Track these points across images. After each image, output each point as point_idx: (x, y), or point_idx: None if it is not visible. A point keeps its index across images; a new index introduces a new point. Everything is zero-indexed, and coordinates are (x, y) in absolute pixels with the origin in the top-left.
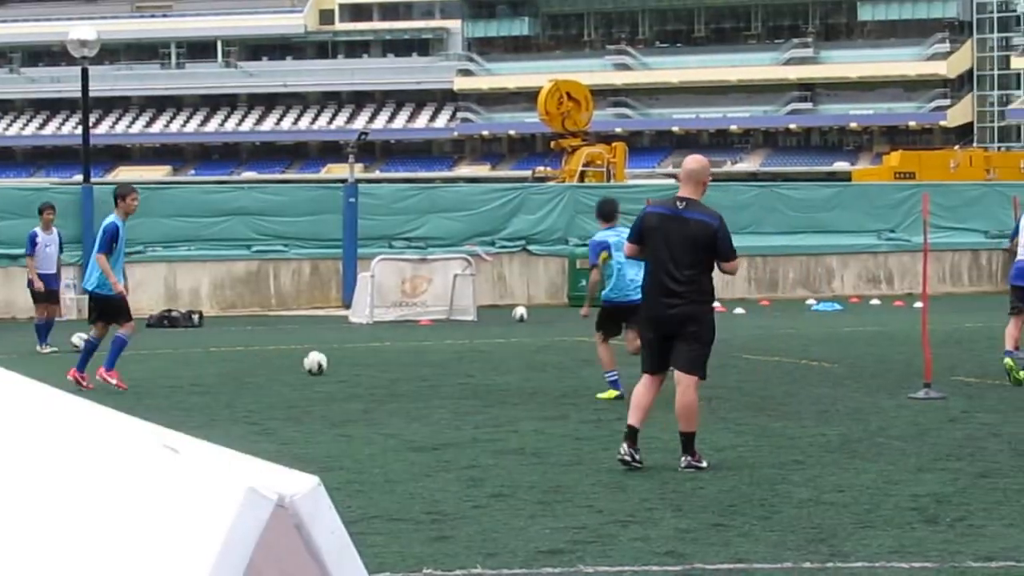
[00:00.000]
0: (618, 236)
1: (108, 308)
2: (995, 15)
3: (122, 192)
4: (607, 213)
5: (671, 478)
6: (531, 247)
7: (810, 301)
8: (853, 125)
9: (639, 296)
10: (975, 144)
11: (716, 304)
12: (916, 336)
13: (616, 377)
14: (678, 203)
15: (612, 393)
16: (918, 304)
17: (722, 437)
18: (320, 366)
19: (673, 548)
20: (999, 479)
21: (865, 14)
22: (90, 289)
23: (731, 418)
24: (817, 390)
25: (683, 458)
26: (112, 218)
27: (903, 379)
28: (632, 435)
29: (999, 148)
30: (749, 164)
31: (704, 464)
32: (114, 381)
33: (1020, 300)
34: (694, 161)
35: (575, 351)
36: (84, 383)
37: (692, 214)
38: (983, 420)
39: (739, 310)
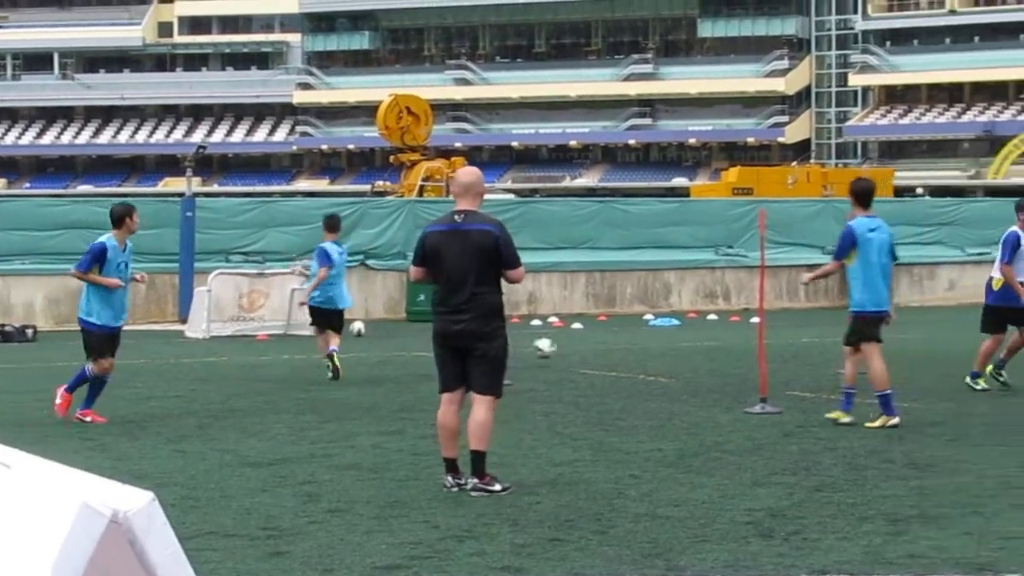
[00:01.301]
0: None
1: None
2: (834, 33)
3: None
4: (332, 225)
5: (508, 493)
6: (369, 261)
7: (648, 316)
8: (692, 141)
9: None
10: (813, 160)
11: (554, 319)
12: (752, 351)
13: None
14: (456, 217)
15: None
16: (755, 319)
17: (559, 452)
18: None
19: (510, 563)
20: (833, 493)
21: (705, 31)
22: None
23: (568, 433)
24: (654, 405)
25: (471, 480)
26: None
27: (740, 394)
28: (452, 466)
29: (836, 164)
30: (588, 179)
31: (496, 488)
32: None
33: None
34: (468, 174)
35: (413, 365)
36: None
37: (472, 225)
38: (818, 435)
39: (577, 325)
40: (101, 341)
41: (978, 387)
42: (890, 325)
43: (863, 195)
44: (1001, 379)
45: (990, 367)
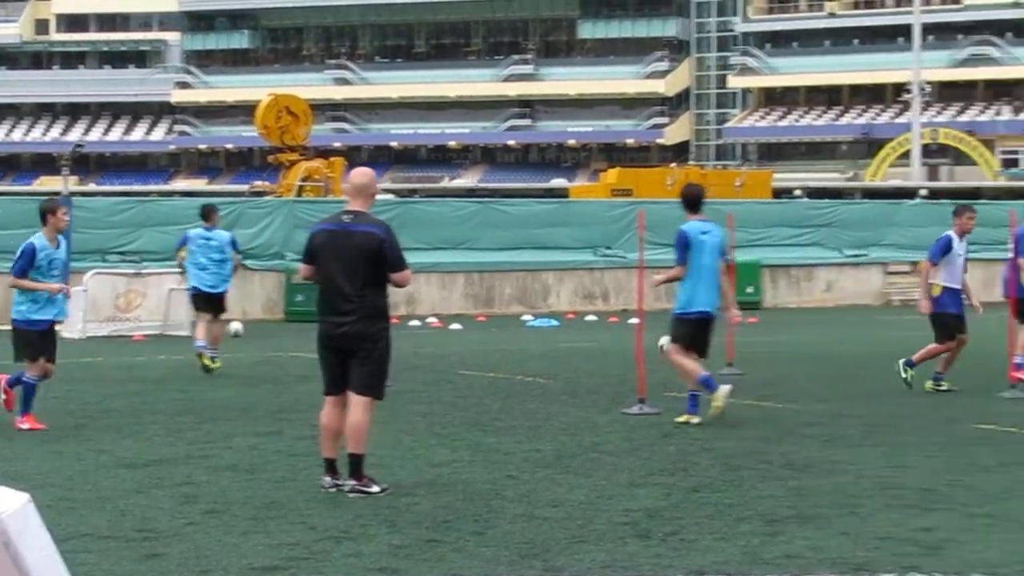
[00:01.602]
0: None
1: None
2: (713, 35)
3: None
4: (204, 214)
5: (386, 494)
6: (247, 262)
7: (527, 317)
8: (571, 142)
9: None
10: (692, 162)
11: (433, 320)
12: (631, 352)
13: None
14: (344, 217)
15: None
16: (633, 320)
17: (437, 453)
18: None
19: (387, 564)
20: (711, 494)
21: (585, 32)
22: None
23: (446, 434)
24: (532, 405)
25: (348, 481)
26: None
27: (618, 395)
28: (331, 467)
29: (716, 166)
30: (467, 180)
31: (374, 489)
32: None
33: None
34: (361, 175)
35: (291, 366)
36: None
37: (359, 226)
38: (695, 436)
39: (456, 326)
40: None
41: (905, 375)
42: (737, 326)
43: (690, 200)
44: (942, 388)
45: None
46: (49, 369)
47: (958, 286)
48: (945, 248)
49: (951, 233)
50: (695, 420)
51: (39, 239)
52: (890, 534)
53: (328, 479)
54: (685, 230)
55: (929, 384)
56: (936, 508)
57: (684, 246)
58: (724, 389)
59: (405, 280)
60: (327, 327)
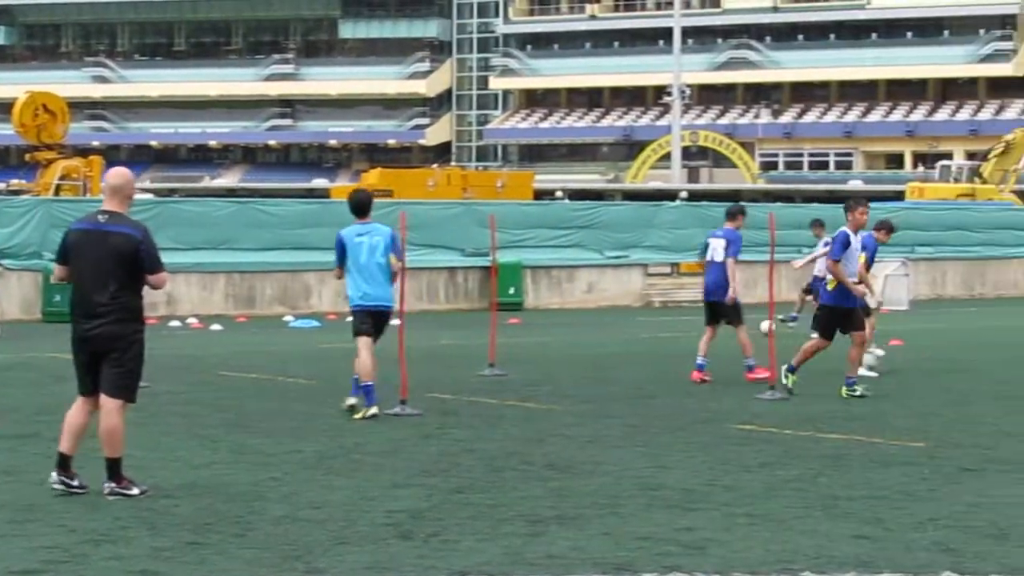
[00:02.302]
0: None
1: None
2: (475, 36)
3: None
4: None
5: (146, 496)
6: (4, 261)
7: (288, 318)
8: (333, 142)
9: None
10: (453, 163)
11: (193, 321)
12: (393, 353)
13: None
14: (100, 217)
15: None
16: (395, 321)
17: (198, 454)
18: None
19: (147, 567)
20: (472, 494)
21: (346, 32)
22: None
23: (207, 435)
24: (294, 406)
25: (107, 484)
26: None
27: (380, 396)
28: (63, 462)
29: (477, 167)
30: (228, 179)
31: (134, 491)
32: None
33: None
34: (117, 175)
35: (49, 367)
36: None
37: (115, 227)
38: (457, 436)
39: (217, 326)
40: None
41: (787, 381)
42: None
43: (354, 206)
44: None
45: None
46: None
47: (855, 279)
48: (844, 244)
49: (846, 229)
50: (373, 411)
51: None
52: (651, 534)
53: (55, 475)
54: (340, 234)
55: (792, 378)
56: (697, 508)
57: (340, 249)
58: (373, 410)
59: (161, 282)
60: (79, 328)
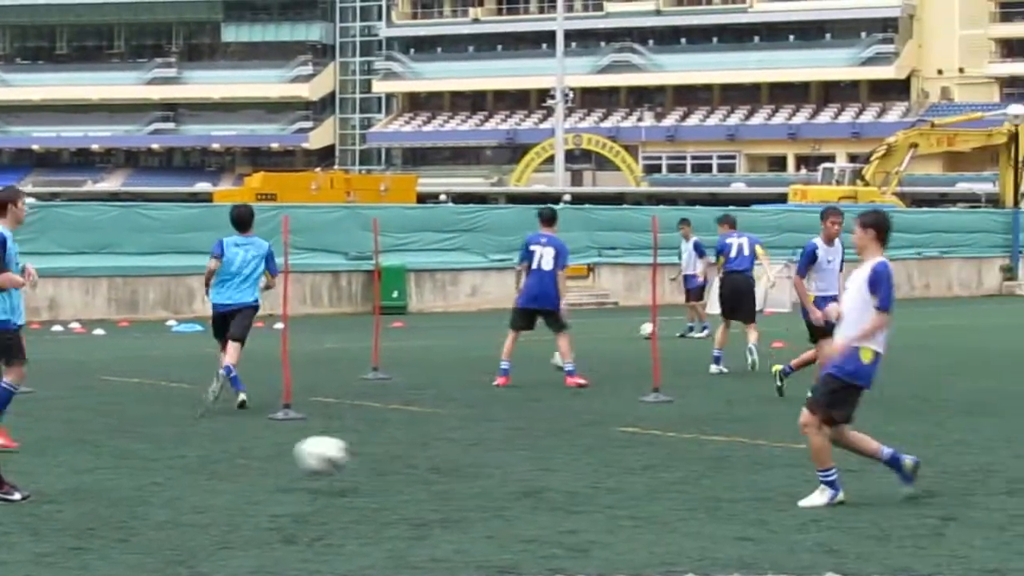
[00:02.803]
0: None
1: None
2: (358, 39)
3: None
4: None
5: (28, 501)
6: None
7: (171, 322)
8: (216, 146)
9: None
10: (336, 166)
11: (76, 325)
12: (277, 357)
13: None
14: None
15: None
16: (279, 325)
17: (81, 459)
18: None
19: (30, 572)
20: (357, 498)
21: (229, 35)
22: None
23: (90, 440)
24: (178, 411)
25: None
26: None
27: (264, 400)
28: None
29: (360, 171)
30: (110, 183)
31: (15, 496)
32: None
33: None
34: None
35: None
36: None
37: None
38: (344, 440)
39: (99, 331)
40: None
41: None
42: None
43: (235, 221)
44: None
45: (777, 367)
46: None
47: (834, 293)
48: (810, 258)
49: (816, 240)
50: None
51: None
52: (536, 536)
53: None
54: (221, 239)
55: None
56: (581, 510)
57: (218, 252)
58: (241, 397)
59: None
60: None
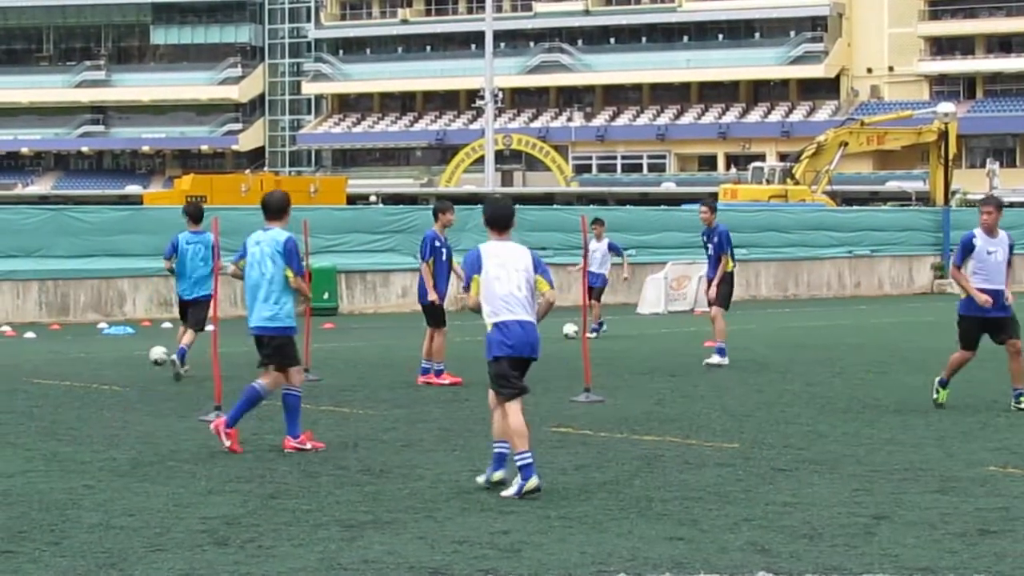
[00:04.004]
0: None
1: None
2: (286, 41)
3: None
4: None
5: None
6: None
7: (102, 325)
8: (146, 149)
9: None
10: (267, 168)
11: (6, 329)
12: (208, 359)
13: None
14: None
15: None
16: (210, 327)
17: (11, 463)
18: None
19: None
20: (288, 500)
21: (158, 38)
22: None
23: (20, 443)
24: (108, 414)
25: None
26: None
27: (195, 402)
28: None
29: (290, 172)
30: (40, 187)
31: None
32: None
33: None
34: None
35: None
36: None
37: None
38: (273, 442)
39: (30, 334)
40: None
41: (938, 396)
42: None
43: (189, 213)
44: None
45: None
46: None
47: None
48: (967, 248)
49: (975, 231)
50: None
51: None
52: (467, 537)
53: None
54: (175, 236)
55: None
56: (513, 511)
57: (171, 249)
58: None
59: None
60: None
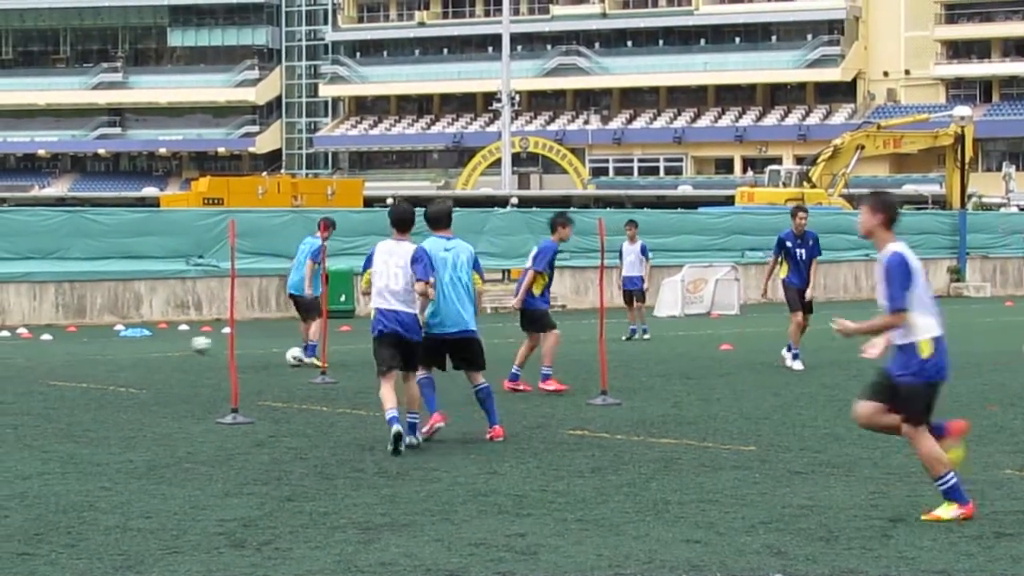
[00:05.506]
0: None
1: None
2: (304, 43)
3: None
4: None
5: None
6: None
7: (119, 327)
8: (162, 151)
9: None
10: (284, 170)
11: (23, 331)
12: (224, 361)
13: None
14: None
15: None
16: (226, 330)
17: (28, 465)
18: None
19: None
20: (305, 502)
21: (175, 40)
22: None
23: (37, 445)
24: (125, 416)
25: None
26: None
27: (211, 404)
28: None
29: (307, 174)
30: (57, 189)
31: None
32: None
33: None
34: None
35: None
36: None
37: None
38: (290, 444)
39: (47, 336)
40: None
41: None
42: None
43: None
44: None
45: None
46: None
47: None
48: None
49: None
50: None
51: None
52: (484, 540)
53: None
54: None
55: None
56: (529, 514)
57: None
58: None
59: None
60: None
